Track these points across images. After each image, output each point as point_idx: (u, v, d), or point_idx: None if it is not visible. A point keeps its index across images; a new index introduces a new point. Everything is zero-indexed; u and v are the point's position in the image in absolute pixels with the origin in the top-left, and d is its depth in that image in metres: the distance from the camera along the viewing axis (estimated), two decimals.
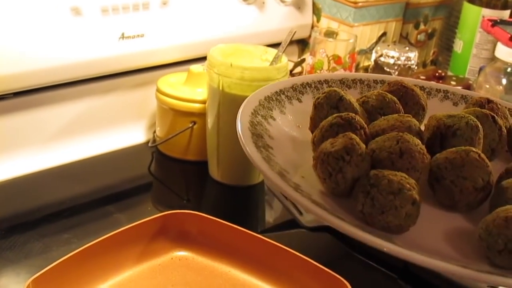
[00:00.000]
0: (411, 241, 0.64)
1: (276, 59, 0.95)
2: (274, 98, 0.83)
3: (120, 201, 0.92)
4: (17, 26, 0.90)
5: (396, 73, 1.20)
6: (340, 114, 0.73)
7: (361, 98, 0.82)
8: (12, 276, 0.75)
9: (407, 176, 0.64)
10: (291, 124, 0.82)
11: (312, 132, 0.76)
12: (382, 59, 1.21)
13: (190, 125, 0.99)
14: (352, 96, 0.79)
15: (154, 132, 1.05)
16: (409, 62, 1.21)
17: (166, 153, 1.03)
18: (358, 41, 1.17)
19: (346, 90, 0.89)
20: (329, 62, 1.13)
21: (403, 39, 1.33)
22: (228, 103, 0.91)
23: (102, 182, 0.96)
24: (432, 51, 1.41)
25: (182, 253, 0.76)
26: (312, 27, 1.27)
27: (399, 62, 1.20)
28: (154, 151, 1.04)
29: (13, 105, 0.94)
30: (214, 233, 0.76)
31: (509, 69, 1.17)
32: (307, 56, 1.19)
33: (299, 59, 1.22)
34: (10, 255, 0.77)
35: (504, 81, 1.17)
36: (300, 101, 0.86)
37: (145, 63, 1.06)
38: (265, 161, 0.67)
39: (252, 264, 0.74)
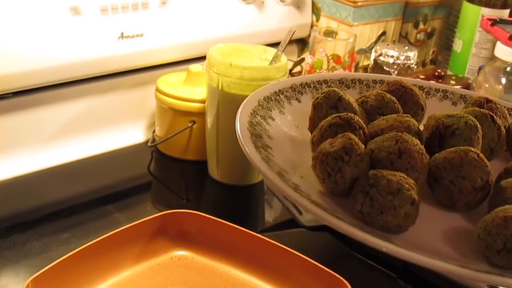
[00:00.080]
0: (410, 241, 0.64)
1: (275, 58, 0.95)
2: (273, 98, 0.83)
3: (119, 200, 0.92)
4: (16, 26, 0.90)
5: (396, 72, 1.20)
6: (339, 114, 0.73)
7: (360, 98, 0.82)
8: (12, 276, 0.75)
9: (406, 176, 0.64)
10: (290, 124, 0.82)
11: (311, 132, 0.76)
12: (381, 58, 1.21)
13: (190, 125, 0.99)
14: (351, 96, 0.79)
15: (154, 131, 1.05)
16: (409, 62, 1.21)
17: (166, 153, 1.03)
18: (358, 40, 1.17)
19: (345, 90, 0.89)
20: (328, 62, 1.13)
21: (403, 38, 1.33)
22: (228, 102, 0.91)
23: (101, 182, 0.96)
24: (431, 51, 1.41)
25: (181, 253, 0.76)
26: (312, 26, 1.27)
27: (398, 61, 1.20)
28: (153, 150, 1.04)
29: (12, 105, 0.94)
30: (214, 233, 0.76)
31: (508, 68, 1.17)
32: (306, 55, 1.19)
33: (298, 59, 1.22)
34: (10, 255, 0.77)
35: (503, 80, 1.17)
36: (299, 101, 0.86)
37: (144, 63, 1.06)
38: (264, 161, 0.67)
39: (251, 263, 0.74)
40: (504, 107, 0.87)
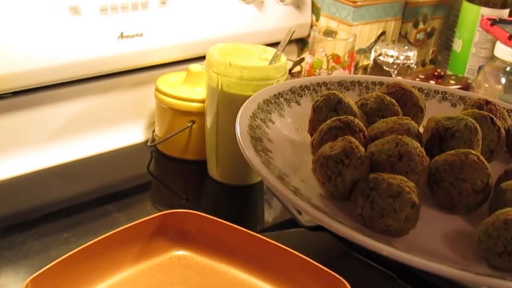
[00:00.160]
0: (411, 244, 0.64)
1: (275, 58, 0.95)
2: (272, 101, 0.83)
3: (119, 200, 0.92)
4: (16, 26, 0.90)
5: (395, 72, 1.20)
6: (339, 117, 0.73)
7: (359, 100, 0.82)
8: (11, 276, 0.75)
9: (406, 179, 0.65)
10: (290, 127, 0.82)
11: (311, 135, 0.76)
12: (381, 58, 1.21)
13: (189, 125, 0.99)
14: (350, 98, 0.79)
15: (153, 131, 1.05)
16: (408, 61, 1.21)
17: (165, 153, 1.03)
18: (357, 40, 1.17)
19: (344, 92, 0.89)
20: (328, 61, 1.13)
21: (402, 38, 1.33)
22: (227, 102, 0.91)
23: (101, 182, 0.95)
24: (431, 50, 1.41)
25: (181, 253, 0.76)
26: (311, 26, 1.27)
27: (398, 61, 1.20)
28: (153, 150, 1.04)
29: (12, 105, 0.94)
30: (213, 233, 0.75)
31: (508, 68, 1.17)
32: (306, 55, 1.19)
33: (298, 58, 1.22)
34: (9, 255, 0.77)
35: (503, 80, 1.17)
36: (298, 103, 0.86)
37: (144, 63, 1.06)
38: (264, 165, 0.67)
39: (251, 263, 0.74)
40: (504, 108, 0.87)
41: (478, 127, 0.75)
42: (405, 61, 1.21)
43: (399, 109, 0.80)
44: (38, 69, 0.93)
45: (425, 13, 1.34)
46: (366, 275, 0.80)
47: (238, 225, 0.75)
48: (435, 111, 0.85)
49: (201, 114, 0.97)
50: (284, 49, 0.95)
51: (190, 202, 0.96)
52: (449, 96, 0.95)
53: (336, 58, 1.12)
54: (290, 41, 0.98)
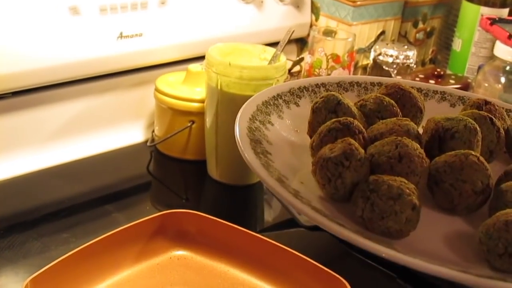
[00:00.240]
0: (411, 246, 0.64)
1: (274, 58, 0.95)
2: (271, 103, 0.83)
3: (118, 200, 0.92)
4: (15, 26, 0.90)
5: (395, 71, 1.20)
6: (339, 118, 0.73)
7: (359, 101, 0.82)
8: (11, 276, 0.75)
9: (406, 181, 0.65)
10: (289, 129, 0.82)
11: (311, 137, 0.76)
12: (380, 57, 1.21)
13: (189, 124, 0.99)
14: (349, 99, 0.79)
15: (153, 131, 1.05)
16: (408, 61, 1.21)
17: (165, 153, 1.03)
18: (357, 40, 1.17)
19: (343, 93, 0.89)
20: (327, 61, 1.13)
21: (402, 37, 1.33)
22: (227, 102, 0.91)
23: (100, 182, 0.95)
24: (431, 50, 1.41)
25: (180, 253, 0.76)
26: (311, 26, 1.27)
27: (397, 60, 1.20)
28: (152, 150, 1.04)
29: (11, 105, 0.94)
30: (213, 233, 0.75)
31: (508, 68, 1.17)
32: (305, 55, 1.19)
33: (297, 58, 1.22)
34: (9, 255, 0.77)
35: (503, 79, 1.17)
36: (297, 105, 0.86)
37: (143, 63, 1.06)
38: (264, 167, 0.67)
39: (251, 263, 0.74)
40: (503, 108, 0.87)
41: (478, 128, 0.75)
42: (404, 61, 1.21)
43: (398, 110, 0.80)
44: (37, 69, 0.93)
45: (425, 12, 1.34)
46: (366, 275, 0.80)
47: (238, 225, 0.75)
48: (434, 111, 0.85)
49: (200, 114, 0.97)
50: (283, 48, 0.95)
51: (190, 202, 0.96)
52: (448, 96, 0.95)
53: (335, 58, 1.12)
54: (290, 41, 0.98)
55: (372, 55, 1.22)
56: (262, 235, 0.74)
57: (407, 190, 0.63)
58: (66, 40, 0.94)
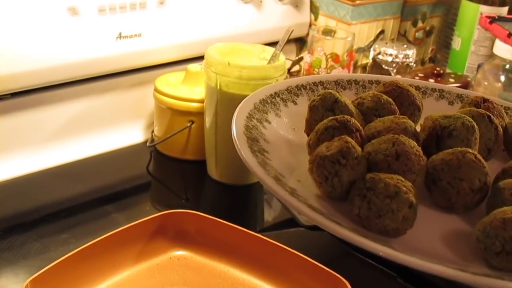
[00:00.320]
0: (408, 244, 0.64)
1: (273, 57, 0.95)
2: (269, 101, 0.83)
3: (118, 201, 0.92)
4: (14, 26, 0.90)
5: (395, 71, 1.20)
6: (336, 116, 0.73)
7: (356, 99, 0.82)
8: (11, 277, 0.75)
9: (403, 179, 0.64)
10: (287, 127, 0.82)
11: (308, 135, 0.76)
12: (380, 57, 1.21)
13: (188, 125, 0.99)
14: (347, 97, 0.79)
15: (152, 131, 1.05)
16: (407, 60, 1.21)
17: (164, 153, 1.03)
18: (356, 39, 1.17)
19: (341, 91, 0.89)
20: (327, 60, 1.13)
21: (401, 36, 1.33)
22: (226, 102, 0.91)
23: (100, 182, 0.95)
24: (430, 49, 1.41)
25: (180, 253, 0.76)
26: (310, 25, 1.27)
27: (397, 59, 1.20)
28: (152, 150, 1.04)
29: (11, 106, 0.94)
30: (213, 233, 0.75)
31: (507, 66, 1.17)
32: (305, 54, 1.19)
33: (297, 58, 1.22)
34: (9, 256, 0.77)
35: (502, 78, 1.17)
36: (295, 103, 0.86)
37: (142, 63, 1.06)
38: (260, 166, 0.67)
39: (251, 263, 0.74)
40: (501, 106, 0.87)
41: (476, 126, 0.74)
42: (404, 60, 1.20)
43: (396, 108, 0.80)
44: (36, 70, 0.93)
45: (424, 11, 1.34)
46: (366, 274, 0.80)
47: (238, 225, 0.74)
48: (432, 109, 0.85)
49: (200, 114, 0.97)
50: (282, 48, 0.95)
51: (190, 202, 0.96)
52: (446, 94, 0.95)
53: (335, 57, 1.12)
54: (289, 40, 0.98)
55: (372, 54, 1.22)
56: (262, 235, 0.74)
57: (404, 188, 0.63)
58: (65, 41, 0.94)
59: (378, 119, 0.76)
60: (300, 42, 1.31)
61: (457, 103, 0.93)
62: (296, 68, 1.20)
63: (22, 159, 0.95)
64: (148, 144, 1.03)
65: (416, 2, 1.31)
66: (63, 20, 0.94)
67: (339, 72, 1.13)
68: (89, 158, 1.00)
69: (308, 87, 0.88)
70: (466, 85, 1.22)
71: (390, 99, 0.80)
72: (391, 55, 1.20)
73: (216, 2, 1.12)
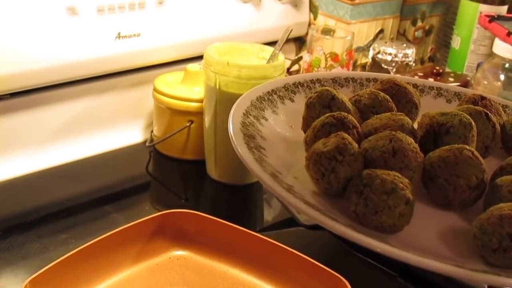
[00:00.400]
0: (405, 241, 0.64)
1: (273, 57, 0.95)
2: (266, 98, 0.83)
3: (117, 201, 0.92)
4: (13, 26, 0.90)
5: (394, 70, 1.20)
6: (332, 113, 0.73)
7: (353, 97, 0.82)
8: (10, 277, 0.75)
9: (400, 176, 0.64)
10: (284, 124, 0.82)
11: (305, 132, 0.76)
12: (379, 56, 1.21)
13: (188, 124, 0.99)
14: (345, 94, 0.79)
15: (152, 131, 1.05)
16: (407, 59, 1.21)
17: (164, 153, 1.03)
18: (355, 38, 1.17)
19: (338, 88, 0.89)
20: (326, 60, 1.13)
21: (401, 36, 1.33)
22: (225, 101, 0.91)
23: (99, 182, 0.96)
24: (429, 48, 1.41)
25: (180, 253, 0.76)
26: (309, 24, 1.27)
27: (396, 59, 1.20)
28: (151, 150, 1.04)
29: (10, 106, 0.94)
30: (212, 232, 0.75)
31: (507, 65, 1.17)
32: (304, 54, 1.19)
33: (296, 57, 1.22)
34: (8, 256, 0.77)
35: (502, 77, 1.17)
36: (292, 100, 0.86)
37: (141, 63, 1.06)
38: (257, 162, 0.67)
39: (250, 263, 0.74)
40: (499, 104, 0.87)
41: (473, 123, 0.74)
42: (403, 59, 1.21)
43: (393, 106, 0.80)
44: (35, 70, 0.93)
45: (423, 10, 1.34)
46: (366, 274, 0.80)
47: (238, 225, 0.74)
48: (430, 107, 0.85)
49: (199, 113, 0.97)
50: (281, 47, 0.95)
51: (189, 202, 0.96)
52: (444, 92, 0.95)
53: (334, 57, 1.12)
54: (288, 40, 0.98)
55: (371, 53, 1.22)
56: (262, 234, 0.74)
57: (401, 185, 0.63)
58: (64, 41, 0.94)
59: (375, 116, 0.76)
60: (300, 42, 1.31)
61: (455, 101, 0.93)
62: (295, 67, 1.20)
63: (22, 159, 0.95)
64: (147, 144, 1.03)
65: (415, 1, 1.31)
66: (62, 20, 0.94)
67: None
68: (89, 158, 1.00)
69: (305, 85, 0.88)
70: (465, 84, 1.22)
71: (387, 97, 0.80)
72: (390, 54, 1.20)
73: (215, 1, 1.12)
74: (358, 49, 1.25)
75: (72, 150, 1.00)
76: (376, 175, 0.63)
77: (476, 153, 0.69)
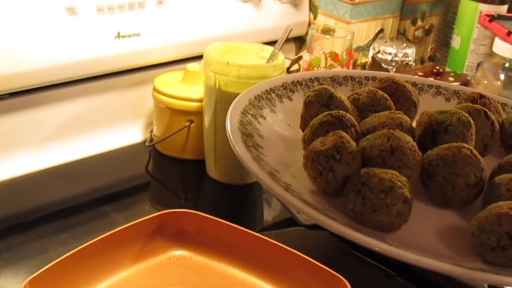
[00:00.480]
0: (404, 239, 0.64)
1: (272, 56, 0.95)
2: (264, 97, 0.83)
3: (117, 200, 0.92)
4: (12, 26, 0.90)
5: (394, 69, 1.20)
6: (331, 112, 0.73)
7: (352, 95, 0.82)
8: (10, 277, 0.75)
9: (398, 174, 0.64)
10: (282, 123, 0.82)
11: (303, 131, 0.76)
12: (379, 55, 1.21)
13: (187, 124, 0.99)
14: (343, 93, 0.79)
15: (151, 131, 1.05)
16: (407, 59, 1.21)
17: (164, 152, 1.03)
18: (355, 38, 1.17)
19: (337, 87, 0.89)
20: (326, 59, 1.13)
21: (401, 35, 1.33)
22: (225, 101, 0.91)
23: (99, 182, 0.96)
24: (429, 47, 1.41)
25: (179, 252, 0.76)
26: (309, 24, 1.27)
27: (396, 58, 1.20)
28: (151, 150, 1.04)
29: (9, 106, 0.94)
30: (212, 232, 0.75)
31: (507, 64, 1.17)
32: (304, 53, 1.19)
33: (296, 57, 1.22)
34: (8, 256, 0.77)
35: (502, 76, 1.17)
36: (290, 99, 0.86)
37: (141, 62, 1.06)
38: (255, 161, 0.67)
39: (250, 262, 0.74)
40: (498, 102, 0.87)
41: (472, 121, 0.74)
42: (403, 59, 1.20)
43: (392, 104, 0.80)
44: (35, 70, 0.93)
45: (423, 10, 1.34)
46: (366, 274, 0.80)
47: (237, 225, 0.74)
48: (429, 105, 0.84)
49: (199, 113, 0.97)
50: (281, 47, 0.95)
51: (189, 201, 0.96)
52: (443, 90, 0.94)
53: (334, 56, 1.12)
54: (288, 40, 0.98)
55: (371, 53, 1.22)
56: (262, 234, 0.74)
57: (399, 183, 0.63)
58: (63, 41, 0.94)
59: (373, 114, 0.76)
60: (299, 41, 1.31)
61: (454, 99, 0.93)
62: (295, 67, 1.20)
63: (21, 159, 0.95)
64: (147, 143, 1.03)
65: (415, 0, 1.31)
66: (61, 20, 0.94)
67: None
68: (88, 158, 1.00)
69: (303, 83, 0.88)
70: (465, 83, 1.22)
71: (386, 95, 0.80)
72: (390, 54, 1.20)
73: (215, 1, 1.12)
74: (358, 49, 1.25)
75: (72, 150, 1.00)
76: (374, 174, 0.63)
77: (474, 151, 0.69)
